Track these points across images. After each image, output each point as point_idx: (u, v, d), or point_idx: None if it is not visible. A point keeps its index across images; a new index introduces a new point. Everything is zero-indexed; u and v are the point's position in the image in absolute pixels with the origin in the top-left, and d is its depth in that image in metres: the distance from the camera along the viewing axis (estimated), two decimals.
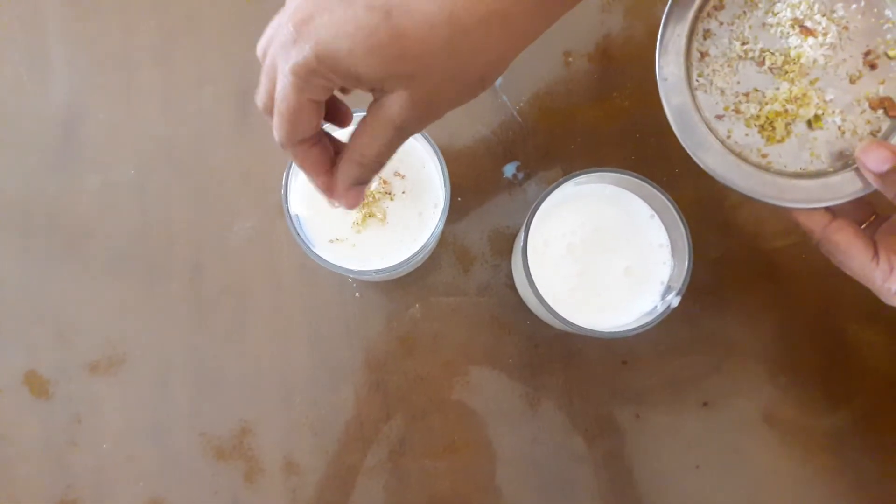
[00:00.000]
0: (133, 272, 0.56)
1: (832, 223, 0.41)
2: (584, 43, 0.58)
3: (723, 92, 0.43)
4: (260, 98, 0.37)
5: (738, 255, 0.56)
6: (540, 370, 0.55)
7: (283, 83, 0.33)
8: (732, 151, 0.42)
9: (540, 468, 0.55)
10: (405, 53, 0.32)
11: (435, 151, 0.45)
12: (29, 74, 0.58)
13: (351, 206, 0.39)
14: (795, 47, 0.42)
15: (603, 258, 0.49)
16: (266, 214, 0.56)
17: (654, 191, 0.47)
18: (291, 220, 0.45)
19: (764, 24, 0.43)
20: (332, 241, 0.47)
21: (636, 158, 0.56)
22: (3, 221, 0.56)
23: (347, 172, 0.37)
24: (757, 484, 0.55)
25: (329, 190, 0.38)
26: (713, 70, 0.43)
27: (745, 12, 0.43)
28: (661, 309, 0.46)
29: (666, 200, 0.46)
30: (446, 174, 0.46)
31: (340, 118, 0.40)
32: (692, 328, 0.55)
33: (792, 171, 0.42)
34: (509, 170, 0.56)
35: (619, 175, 0.47)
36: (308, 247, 0.45)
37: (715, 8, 0.43)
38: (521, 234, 0.47)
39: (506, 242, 0.56)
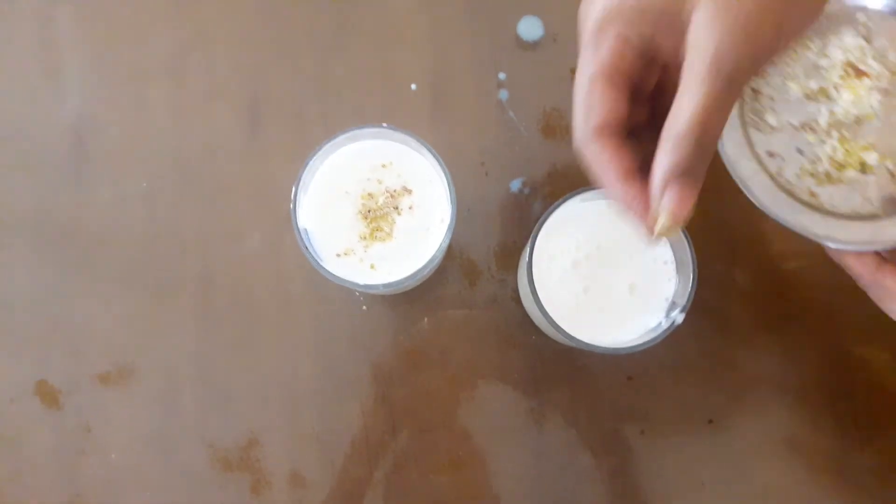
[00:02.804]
0: (143, 284, 0.57)
1: (882, 267, 0.41)
2: None
3: (774, 130, 0.43)
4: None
5: (744, 273, 0.56)
6: (545, 386, 0.55)
7: (579, 66, 0.31)
8: (783, 188, 0.43)
9: (545, 484, 0.55)
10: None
11: (442, 167, 0.46)
12: (43, 87, 0.59)
13: (678, 214, 0.31)
14: (848, 90, 0.43)
15: (608, 274, 0.49)
16: (275, 228, 0.57)
17: None
18: (300, 234, 0.46)
19: (816, 66, 0.43)
20: (339, 255, 0.48)
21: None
22: (16, 232, 0.57)
23: (663, 159, 0.30)
24: (762, 502, 0.55)
25: (632, 201, 0.32)
26: (765, 108, 0.44)
27: (797, 53, 0.43)
28: (665, 325, 0.46)
29: None
30: (453, 189, 0.46)
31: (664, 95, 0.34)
32: (698, 345, 0.55)
33: (842, 211, 0.43)
34: (515, 185, 0.57)
35: None
36: (316, 260, 0.46)
37: None
38: (527, 250, 0.47)
39: (512, 257, 0.56)
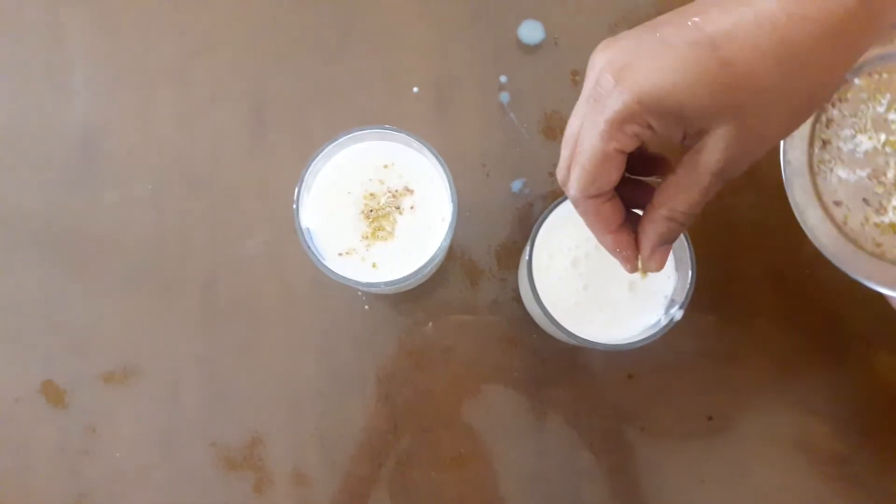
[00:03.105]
0: (148, 285, 0.57)
1: None
2: None
3: (841, 181, 0.45)
4: (560, 171, 0.36)
5: (743, 270, 0.57)
6: (546, 384, 0.56)
7: (591, 134, 0.33)
8: (848, 238, 0.44)
9: (546, 481, 0.55)
10: (734, 82, 0.31)
11: (443, 167, 0.47)
12: (49, 92, 0.59)
13: (659, 268, 0.38)
14: None
15: (607, 272, 0.49)
16: (278, 229, 0.57)
17: None
18: (303, 233, 0.47)
19: (885, 119, 0.44)
20: (342, 255, 0.48)
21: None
22: (23, 235, 0.58)
23: (654, 231, 0.36)
24: (762, 499, 0.55)
25: (622, 249, 0.37)
26: (834, 158, 0.45)
27: (868, 106, 0.45)
28: (664, 322, 0.47)
29: None
30: (454, 189, 0.47)
31: (651, 168, 0.39)
32: (697, 343, 0.56)
33: None
34: (516, 185, 0.57)
35: None
36: (319, 259, 0.46)
37: (839, 99, 0.44)
38: (527, 249, 0.48)
39: (513, 257, 0.57)
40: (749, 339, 0.56)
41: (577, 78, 0.59)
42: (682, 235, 0.47)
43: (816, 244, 0.44)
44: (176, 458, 0.56)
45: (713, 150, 0.33)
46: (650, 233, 0.36)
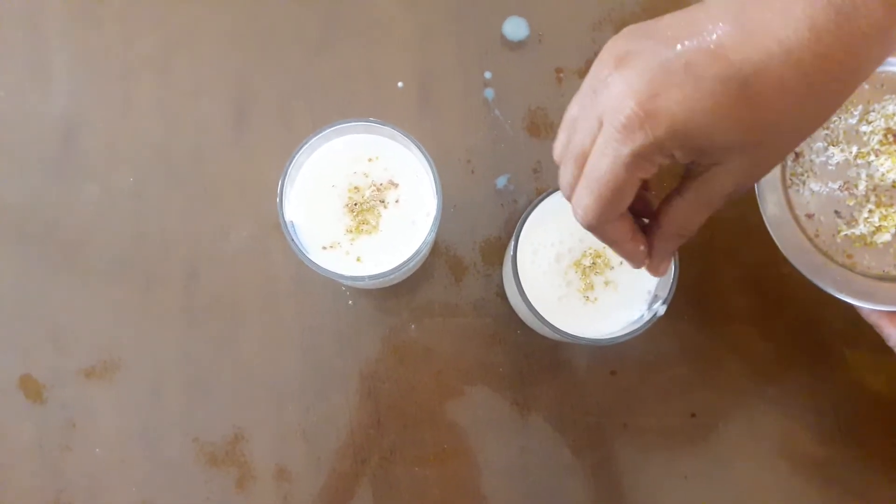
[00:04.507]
0: (129, 279, 0.57)
1: None
2: (575, 60, 0.59)
3: (814, 193, 0.45)
4: (558, 150, 0.37)
5: (726, 269, 0.57)
6: (530, 380, 0.56)
7: (613, 161, 0.32)
8: (819, 250, 0.44)
9: (529, 477, 0.55)
10: (761, 121, 0.31)
11: (427, 160, 0.46)
12: (30, 83, 0.59)
13: (664, 273, 0.40)
14: (887, 156, 0.44)
15: (591, 268, 0.49)
16: (261, 223, 0.57)
17: None
18: (286, 227, 0.46)
19: (857, 131, 0.45)
20: (325, 248, 0.48)
21: None
22: (1, 227, 0.57)
23: (666, 248, 0.38)
24: (744, 495, 0.55)
25: (639, 259, 0.38)
26: (806, 171, 0.45)
27: (839, 118, 0.45)
28: (647, 317, 0.47)
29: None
30: (439, 184, 0.47)
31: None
32: (680, 340, 0.56)
33: (876, 272, 0.44)
34: (501, 182, 0.57)
35: None
36: (302, 253, 0.46)
37: None
38: (511, 244, 0.48)
39: (497, 253, 0.57)
40: (731, 336, 0.57)
41: (562, 75, 0.59)
42: None
43: (788, 257, 0.44)
44: (157, 453, 0.55)
45: (726, 179, 0.33)
46: (662, 249, 0.38)
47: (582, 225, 0.36)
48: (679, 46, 0.31)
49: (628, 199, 0.34)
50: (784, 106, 0.31)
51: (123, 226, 0.57)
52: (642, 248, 0.38)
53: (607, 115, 0.32)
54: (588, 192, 0.34)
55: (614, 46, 0.34)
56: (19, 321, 0.56)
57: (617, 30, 0.59)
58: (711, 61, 0.31)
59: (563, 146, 0.37)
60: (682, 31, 0.32)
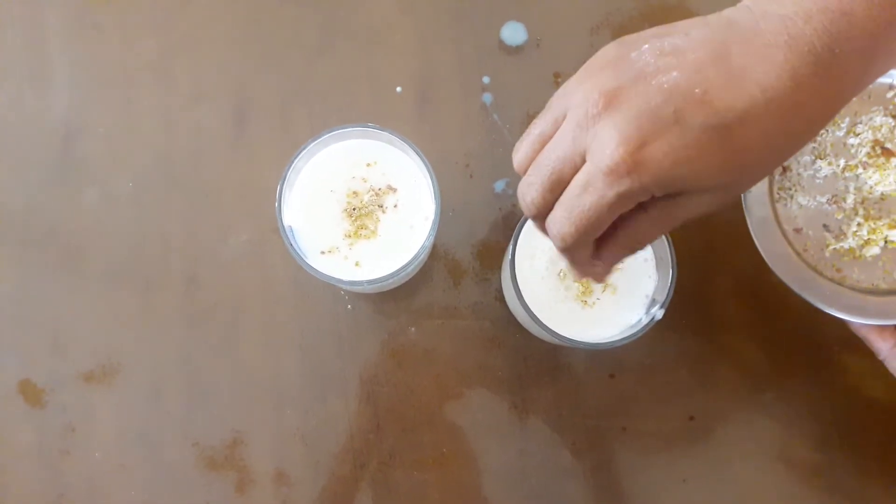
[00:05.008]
0: (129, 283, 0.57)
1: None
2: (572, 64, 0.59)
3: (802, 207, 0.45)
4: (522, 162, 0.37)
5: (724, 272, 0.57)
6: (528, 383, 0.56)
7: (598, 200, 0.33)
8: (808, 265, 0.44)
9: (528, 480, 0.55)
10: (740, 163, 0.32)
11: (426, 164, 0.47)
12: (30, 89, 0.59)
13: (604, 281, 0.41)
14: (874, 169, 0.44)
15: None
16: (260, 227, 0.57)
17: None
18: (285, 231, 0.46)
19: (845, 144, 0.44)
20: (324, 253, 0.48)
21: None
22: (2, 232, 0.57)
23: (617, 257, 0.38)
24: (742, 499, 0.55)
25: (595, 274, 0.38)
26: (794, 185, 0.45)
27: (827, 131, 0.45)
28: (646, 321, 0.47)
29: None
30: (437, 188, 0.47)
31: None
32: (678, 343, 0.56)
33: (865, 286, 0.44)
34: (499, 186, 0.58)
35: None
36: (301, 257, 0.46)
37: None
38: (510, 248, 0.48)
39: (496, 257, 0.57)
40: (729, 340, 0.57)
41: (560, 80, 0.59)
42: (663, 236, 0.47)
43: (776, 272, 0.44)
44: (156, 458, 0.55)
45: (697, 206, 0.34)
46: (612, 257, 0.38)
47: (558, 248, 0.37)
48: (666, 87, 0.32)
49: (604, 228, 0.35)
50: (763, 149, 0.32)
51: (123, 230, 0.57)
52: (598, 263, 0.39)
53: (595, 155, 0.33)
54: (569, 222, 0.34)
55: (600, 79, 0.33)
56: (19, 325, 0.56)
57: (615, 34, 0.60)
58: (697, 109, 0.31)
59: (527, 159, 0.37)
60: (668, 66, 0.32)
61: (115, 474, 0.55)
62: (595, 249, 0.37)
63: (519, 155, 0.37)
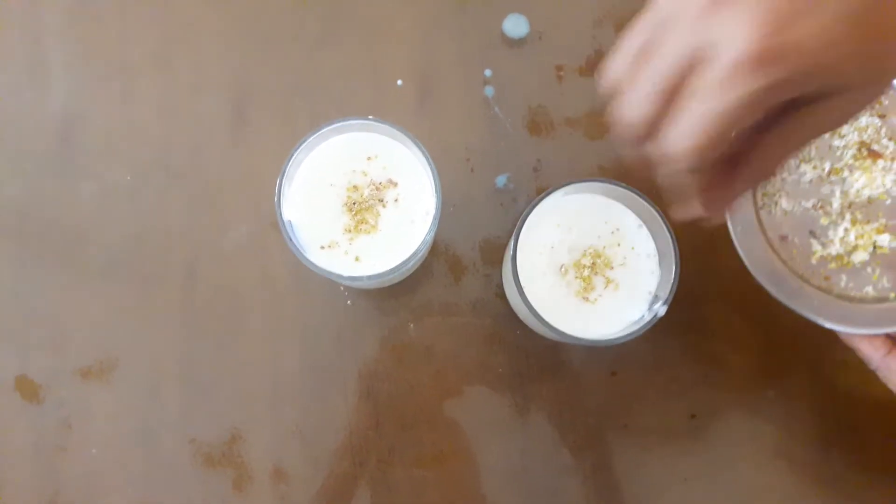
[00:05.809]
0: (127, 278, 0.56)
1: (893, 351, 0.41)
2: (575, 57, 0.59)
3: (787, 213, 0.43)
4: (619, 66, 0.32)
5: (726, 269, 0.56)
6: (529, 381, 0.56)
7: (727, 102, 0.28)
8: (795, 273, 0.43)
9: (528, 478, 0.55)
10: (883, 52, 0.29)
11: (427, 158, 0.46)
12: (28, 80, 0.58)
13: (723, 218, 0.37)
14: (861, 171, 0.43)
15: (591, 268, 0.49)
16: (260, 222, 0.57)
17: (643, 201, 0.47)
18: (284, 226, 0.46)
19: (830, 147, 0.43)
20: (324, 248, 0.48)
21: (625, 170, 0.57)
22: None
23: (744, 188, 0.34)
24: (744, 497, 0.55)
25: (710, 194, 0.34)
26: (778, 190, 0.44)
27: None
28: (648, 318, 0.47)
29: (654, 211, 0.47)
30: (438, 183, 0.46)
31: None
32: (680, 341, 0.56)
33: (854, 295, 0.43)
34: (501, 181, 0.57)
35: (607, 185, 0.48)
36: (301, 252, 0.46)
37: None
38: (511, 244, 0.48)
39: (497, 253, 0.57)
40: (732, 338, 0.56)
41: (562, 73, 0.58)
42: (667, 233, 0.47)
43: (761, 282, 0.42)
44: (154, 454, 0.55)
45: (834, 111, 0.31)
46: (742, 183, 0.34)
47: (679, 169, 0.32)
48: None
49: (735, 140, 0.31)
50: None
51: (121, 224, 0.57)
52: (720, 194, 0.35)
53: (727, 45, 0.28)
54: (698, 131, 0.30)
55: None
56: (15, 320, 0.56)
57: (618, 27, 0.59)
58: None
59: (624, 72, 0.32)
60: None
61: (112, 471, 0.55)
62: (716, 178, 0.33)
63: (614, 67, 0.33)
